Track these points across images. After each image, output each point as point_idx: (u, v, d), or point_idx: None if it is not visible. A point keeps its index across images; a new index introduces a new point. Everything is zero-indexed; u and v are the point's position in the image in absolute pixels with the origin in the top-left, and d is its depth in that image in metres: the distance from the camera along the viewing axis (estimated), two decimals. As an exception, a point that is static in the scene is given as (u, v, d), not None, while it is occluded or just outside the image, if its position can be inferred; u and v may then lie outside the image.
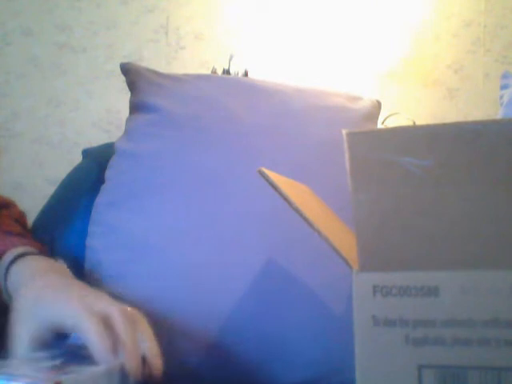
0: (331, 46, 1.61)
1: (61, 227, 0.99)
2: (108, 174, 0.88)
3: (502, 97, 1.25)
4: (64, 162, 1.52)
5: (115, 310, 0.57)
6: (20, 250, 0.70)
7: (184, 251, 0.78)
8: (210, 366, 0.73)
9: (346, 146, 0.48)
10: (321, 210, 0.66)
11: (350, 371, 0.50)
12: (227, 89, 0.94)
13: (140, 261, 0.78)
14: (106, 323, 0.55)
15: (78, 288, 0.63)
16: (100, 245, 0.81)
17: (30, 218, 1.07)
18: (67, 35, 1.66)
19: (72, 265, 0.94)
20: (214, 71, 1.48)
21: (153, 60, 1.67)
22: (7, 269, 0.67)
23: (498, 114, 1.23)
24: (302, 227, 0.54)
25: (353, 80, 1.59)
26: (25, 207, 1.18)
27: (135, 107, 0.93)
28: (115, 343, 0.54)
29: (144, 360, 0.56)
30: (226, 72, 1.47)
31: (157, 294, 0.76)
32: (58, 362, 0.53)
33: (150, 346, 0.58)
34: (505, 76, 1.29)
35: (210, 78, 0.98)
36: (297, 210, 0.52)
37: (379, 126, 1.33)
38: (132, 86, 0.94)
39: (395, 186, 0.47)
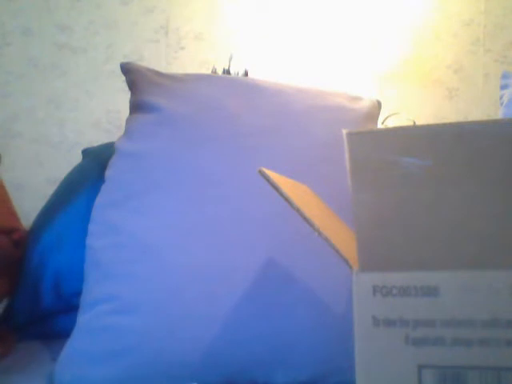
0: (331, 47, 1.61)
1: (61, 227, 0.99)
2: (108, 173, 0.88)
3: (502, 97, 1.25)
4: (64, 162, 1.52)
5: None
6: None
7: (184, 251, 0.78)
8: (209, 366, 0.73)
9: (346, 145, 0.48)
10: (321, 210, 0.66)
11: (350, 371, 0.50)
12: (227, 89, 0.94)
13: (140, 261, 0.78)
14: None
15: None
16: (100, 245, 0.81)
17: (30, 218, 1.07)
18: (67, 35, 1.65)
19: (72, 264, 0.94)
20: (213, 71, 1.48)
21: (153, 60, 1.67)
22: None
23: (497, 113, 1.23)
24: (302, 227, 0.54)
25: (353, 80, 1.59)
26: (25, 207, 1.18)
27: (135, 107, 0.92)
28: None
29: None
30: (226, 72, 1.47)
31: (156, 294, 0.76)
32: None
33: None
34: (505, 76, 1.29)
35: (210, 78, 0.98)
36: (297, 210, 0.52)
37: (379, 126, 1.33)
38: (132, 85, 0.94)
39: (395, 186, 0.47)
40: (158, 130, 0.87)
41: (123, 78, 0.96)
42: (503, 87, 1.27)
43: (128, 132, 0.90)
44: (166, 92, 0.91)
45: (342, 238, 0.56)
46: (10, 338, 0.92)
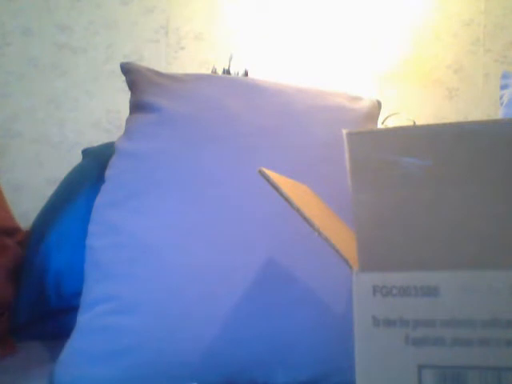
0: (331, 47, 1.61)
1: (61, 227, 0.99)
2: (108, 173, 0.88)
3: (502, 97, 1.25)
4: (64, 162, 1.52)
5: None
6: None
7: (184, 251, 0.78)
8: (209, 366, 0.73)
9: (346, 145, 0.48)
10: (321, 210, 0.66)
11: (350, 371, 0.50)
12: (227, 89, 0.94)
13: (140, 261, 0.78)
14: None
15: None
16: (100, 245, 0.81)
17: (30, 218, 1.07)
18: (67, 35, 1.66)
19: (72, 264, 0.94)
20: (213, 71, 1.48)
21: (153, 60, 1.67)
22: None
23: (498, 113, 1.23)
24: (302, 227, 0.54)
25: (353, 80, 1.59)
26: (25, 207, 1.18)
27: (135, 107, 0.92)
28: None
29: None
30: (226, 72, 1.47)
31: (156, 294, 0.76)
32: None
33: None
34: (505, 76, 1.29)
35: (210, 78, 0.98)
36: (297, 210, 0.52)
37: (379, 126, 1.33)
38: (132, 85, 0.94)
39: (395, 186, 0.47)
40: (158, 130, 0.87)
41: (123, 78, 0.96)
42: (503, 87, 1.27)
43: (128, 132, 0.90)
44: (166, 92, 0.91)
45: (342, 238, 0.56)
46: (10, 338, 0.92)
